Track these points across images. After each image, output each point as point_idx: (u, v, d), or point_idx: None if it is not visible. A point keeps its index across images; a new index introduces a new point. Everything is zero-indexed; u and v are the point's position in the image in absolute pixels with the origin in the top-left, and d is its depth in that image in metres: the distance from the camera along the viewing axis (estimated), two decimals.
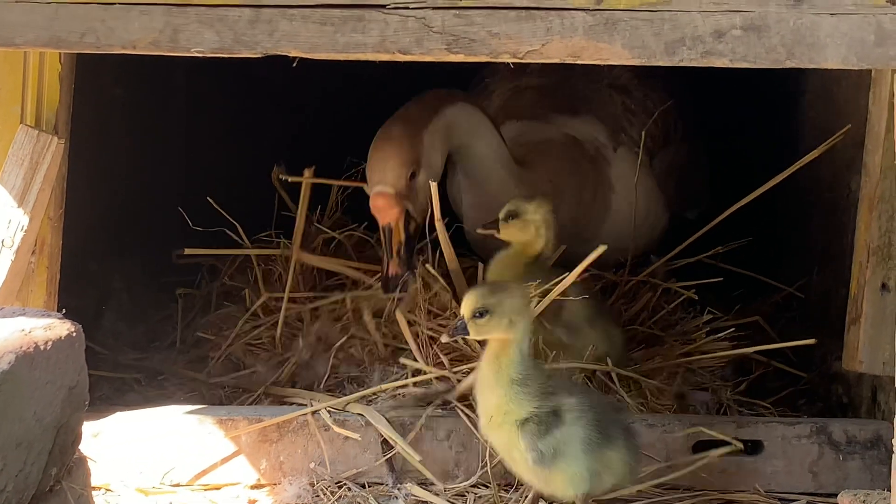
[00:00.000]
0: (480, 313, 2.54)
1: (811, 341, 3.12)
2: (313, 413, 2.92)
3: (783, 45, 2.11)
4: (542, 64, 3.41)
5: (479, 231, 3.23)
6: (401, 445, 2.85)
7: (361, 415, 2.92)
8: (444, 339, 2.64)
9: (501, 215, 3.20)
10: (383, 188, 3.10)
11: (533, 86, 3.61)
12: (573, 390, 2.65)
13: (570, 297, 3.08)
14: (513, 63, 3.38)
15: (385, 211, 3.10)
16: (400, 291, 3.12)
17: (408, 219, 3.12)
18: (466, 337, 2.61)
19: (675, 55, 2.11)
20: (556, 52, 2.11)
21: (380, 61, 2.32)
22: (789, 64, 2.12)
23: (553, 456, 2.54)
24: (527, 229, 3.18)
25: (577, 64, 3.47)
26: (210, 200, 3.27)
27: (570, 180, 3.52)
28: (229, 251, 3.57)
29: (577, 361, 3.08)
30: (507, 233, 3.20)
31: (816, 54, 2.11)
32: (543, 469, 2.55)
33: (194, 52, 2.09)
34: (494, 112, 3.55)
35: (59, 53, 2.68)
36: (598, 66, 3.51)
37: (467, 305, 2.56)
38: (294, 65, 2.22)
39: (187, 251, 3.45)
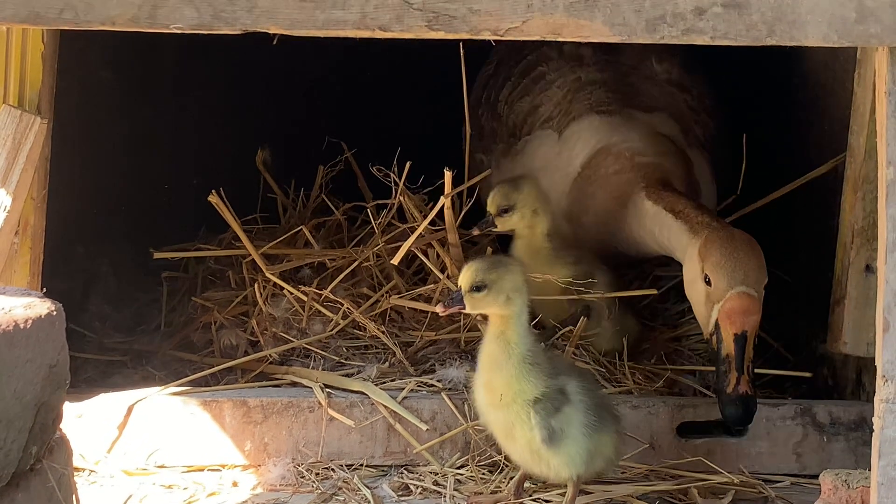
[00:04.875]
0: (478, 287, 2.54)
1: None
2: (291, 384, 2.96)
3: (764, 22, 2.10)
4: (596, 55, 3.39)
5: (476, 232, 3.20)
6: (409, 418, 2.87)
7: (346, 396, 2.92)
8: (440, 309, 2.62)
9: (493, 210, 3.17)
10: (749, 290, 2.76)
11: (595, 80, 3.45)
12: (571, 371, 2.66)
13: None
14: (564, 51, 3.31)
15: (749, 316, 2.74)
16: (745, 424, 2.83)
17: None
18: (462, 310, 2.61)
19: (656, 32, 2.10)
20: (536, 29, 2.10)
21: (362, 41, 2.30)
22: (770, 42, 2.11)
23: (562, 434, 2.54)
24: (524, 216, 3.17)
25: (625, 59, 3.47)
26: (213, 201, 3.24)
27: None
28: (196, 254, 3.58)
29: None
30: (505, 224, 3.19)
31: (797, 32, 2.10)
32: (551, 448, 2.55)
33: (173, 29, 2.08)
34: (560, 103, 3.44)
35: (42, 33, 2.67)
36: (646, 61, 3.49)
37: (466, 278, 2.56)
38: (274, 42, 2.21)
39: (156, 255, 3.46)
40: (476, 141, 3.67)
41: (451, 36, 2.12)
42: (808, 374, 3.13)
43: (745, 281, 2.75)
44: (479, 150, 3.66)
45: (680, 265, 3.02)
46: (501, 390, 2.56)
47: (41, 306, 2.19)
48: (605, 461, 2.64)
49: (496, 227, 3.20)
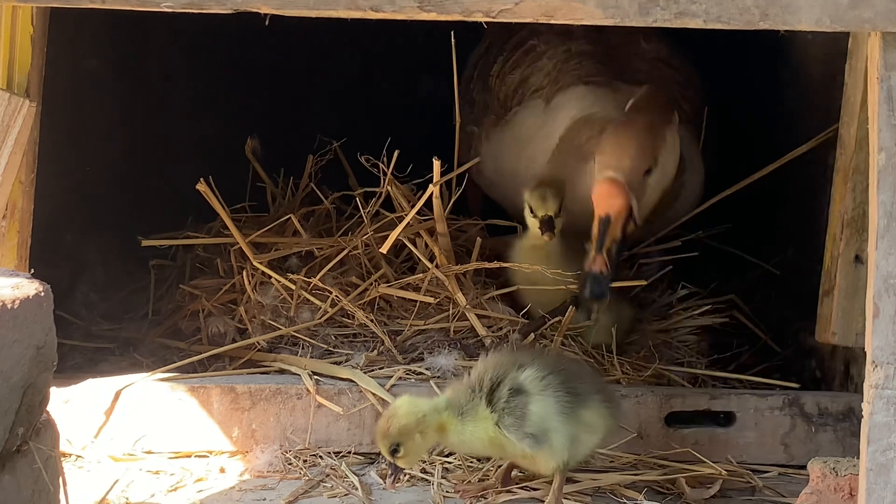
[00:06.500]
0: (395, 450, 2.51)
1: None
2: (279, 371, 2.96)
3: (757, 6, 2.10)
4: (585, 29, 3.32)
5: (548, 238, 3.13)
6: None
7: (335, 383, 2.92)
8: (392, 485, 2.58)
9: (552, 210, 3.12)
10: (615, 174, 2.83)
11: (585, 52, 3.43)
12: (527, 361, 2.59)
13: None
14: (554, 26, 3.26)
15: (610, 200, 2.82)
16: (597, 300, 2.90)
17: (627, 217, 2.86)
18: (406, 469, 2.63)
19: (649, 15, 2.10)
20: (529, 11, 2.09)
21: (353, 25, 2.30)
22: (763, 26, 2.11)
23: (543, 432, 2.52)
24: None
25: (614, 37, 3.45)
26: (201, 189, 3.22)
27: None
28: (184, 241, 3.55)
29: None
30: (559, 223, 3.16)
31: (790, 16, 2.11)
32: (544, 446, 2.52)
33: (164, 7, 2.07)
34: (550, 73, 3.42)
35: (32, 15, 2.66)
36: (633, 37, 3.46)
37: (382, 449, 2.53)
38: (266, 23, 2.20)
39: (144, 243, 3.43)
40: (468, 113, 3.65)
41: (442, 17, 2.11)
42: (795, 386, 3.12)
43: (612, 165, 2.84)
44: (470, 122, 3.65)
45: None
46: (469, 451, 2.61)
47: (29, 287, 2.18)
48: (599, 436, 2.60)
49: (555, 227, 3.16)
